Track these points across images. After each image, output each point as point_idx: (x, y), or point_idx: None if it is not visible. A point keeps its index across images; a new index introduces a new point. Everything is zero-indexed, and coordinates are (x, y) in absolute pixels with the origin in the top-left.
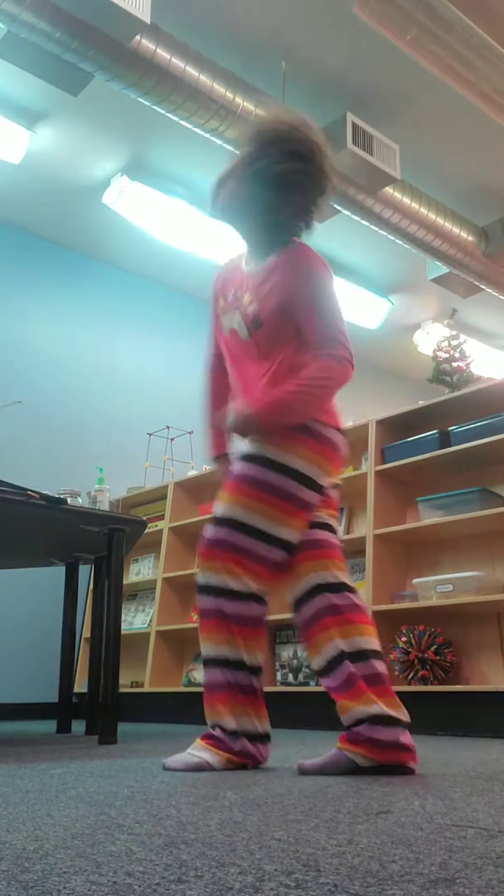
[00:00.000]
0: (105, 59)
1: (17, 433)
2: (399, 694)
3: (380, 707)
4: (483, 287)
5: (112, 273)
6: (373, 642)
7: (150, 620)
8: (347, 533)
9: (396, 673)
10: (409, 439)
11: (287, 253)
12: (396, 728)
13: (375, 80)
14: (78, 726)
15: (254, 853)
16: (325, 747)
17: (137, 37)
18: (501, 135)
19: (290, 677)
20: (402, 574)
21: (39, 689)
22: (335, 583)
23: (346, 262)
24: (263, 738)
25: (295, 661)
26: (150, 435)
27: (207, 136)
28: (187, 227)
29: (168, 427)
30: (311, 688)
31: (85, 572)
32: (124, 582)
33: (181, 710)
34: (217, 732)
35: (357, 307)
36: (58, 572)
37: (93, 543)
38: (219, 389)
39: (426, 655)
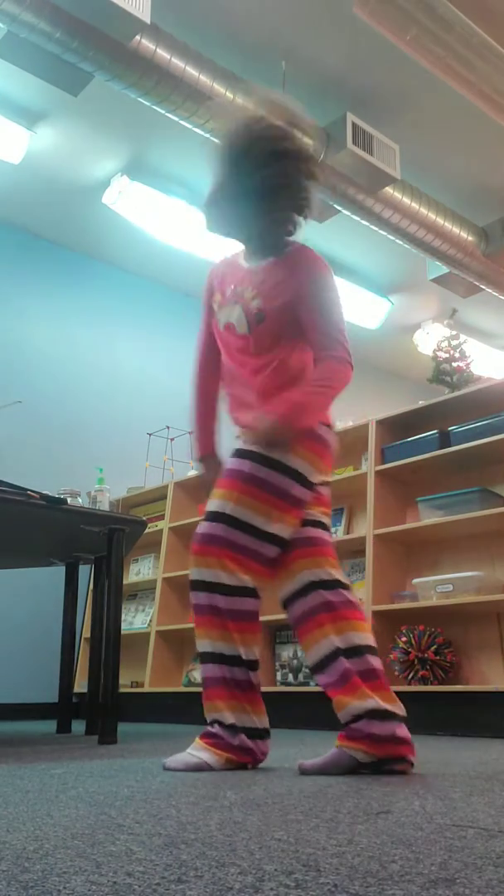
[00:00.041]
0: (105, 59)
1: (17, 433)
2: (399, 694)
3: (376, 701)
4: (483, 287)
5: (112, 273)
6: (367, 638)
7: (150, 620)
8: (347, 533)
9: (396, 673)
10: (409, 439)
11: (294, 253)
12: (393, 722)
13: (375, 80)
14: (78, 726)
15: (254, 853)
16: (324, 747)
17: (137, 37)
18: (501, 135)
19: (290, 677)
20: (402, 574)
21: (39, 689)
22: (329, 580)
23: (346, 262)
24: (262, 734)
25: (295, 661)
26: (150, 435)
27: (207, 136)
28: (187, 227)
29: (168, 427)
30: (311, 688)
31: (85, 572)
32: (124, 582)
33: (181, 710)
34: (216, 728)
35: (357, 307)
36: (58, 572)
37: (93, 543)
38: (207, 386)
39: (426, 655)
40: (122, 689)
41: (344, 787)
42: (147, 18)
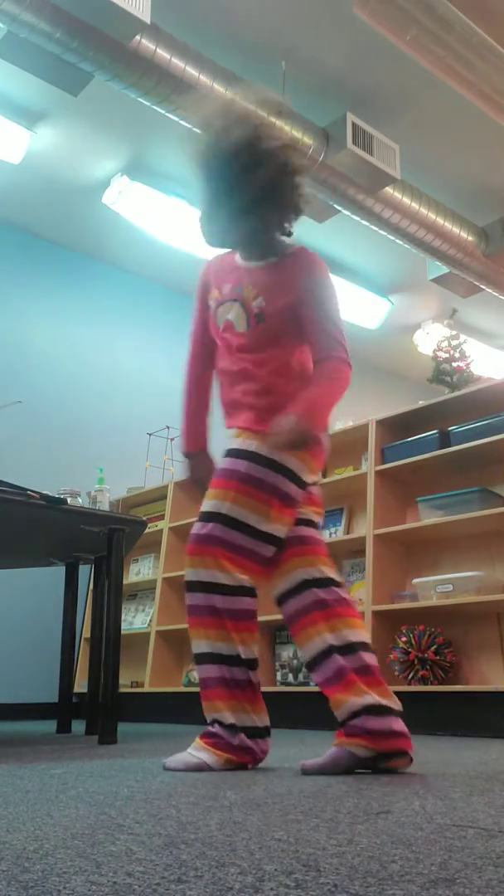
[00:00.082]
0: (105, 59)
1: (17, 433)
2: (399, 694)
3: (373, 697)
4: (483, 287)
5: (112, 273)
6: (361, 635)
7: (150, 620)
8: (347, 533)
9: (396, 673)
10: (409, 439)
11: (295, 255)
12: (389, 716)
13: (375, 80)
14: (78, 726)
15: (254, 853)
16: (324, 747)
17: (137, 37)
18: (501, 135)
19: (290, 677)
20: (402, 574)
21: (39, 689)
22: (322, 578)
23: (346, 262)
24: (262, 733)
25: (295, 661)
26: (150, 435)
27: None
28: (187, 227)
29: (168, 427)
30: (311, 688)
31: (85, 572)
32: (124, 582)
33: (181, 710)
34: (215, 728)
35: (357, 307)
36: (58, 572)
37: (93, 543)
38: (199, 380)
39: (426, 655)
40: (122, 689)
41: (344, 787)
42: (147, 18)
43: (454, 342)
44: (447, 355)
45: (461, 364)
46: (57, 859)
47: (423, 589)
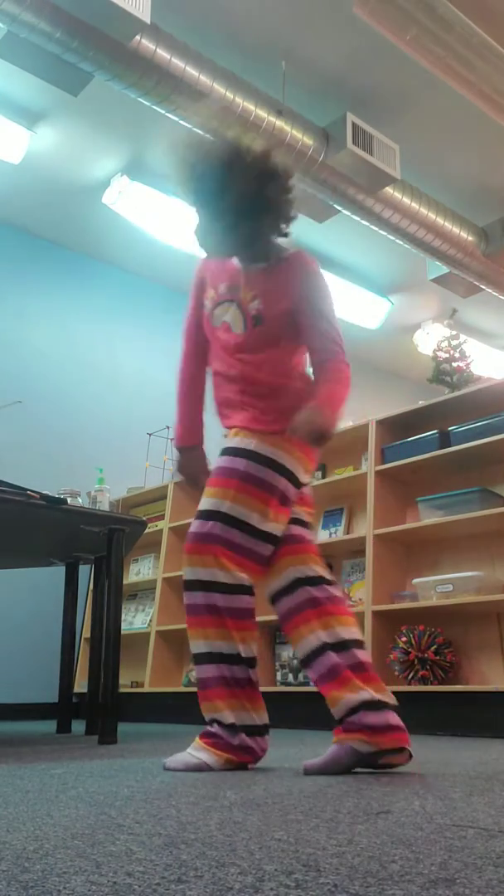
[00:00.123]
0: (105, 59)
1: (16, 433)
2: (399, 694)
3: (369, 693)
4: (483, 287)
5: (112, 273)
6: (353, 632)
7: (150, 620)
8: (347, 533)
9: (396, 673)
10: (409, 439)
11: (292, 259)
12: (385, 711)
13: (375, 80)
14: (78, 726)
15: (254, 853)
16: (324, 747)
17: (137, 37)
18: (501, 135)
19: (290, 677)
20: (402, 574)
21: (39, 689)
22: (314, 576)
23: (346, 262)
24: (262, 731)
25: (295, 661)
26: (150, 435)
27: (207, 136)
28: (187, 227)
29: (168, 427)
30: (311, 688)
31: (85, 572)
32: (124, 582)
33: (181, 710)
34: (215, 728)
35: (357, 307)
36: (58, 572)
37: (93, 543)
38: (194, 376)
39: (426, 655)
40: (122, 689)
41: (344, 787)
42: (147, 18)
43: (454, 342)
44: (447, 355)
45: (461, 364)
46: (57, 859)
47: (423, 589)
